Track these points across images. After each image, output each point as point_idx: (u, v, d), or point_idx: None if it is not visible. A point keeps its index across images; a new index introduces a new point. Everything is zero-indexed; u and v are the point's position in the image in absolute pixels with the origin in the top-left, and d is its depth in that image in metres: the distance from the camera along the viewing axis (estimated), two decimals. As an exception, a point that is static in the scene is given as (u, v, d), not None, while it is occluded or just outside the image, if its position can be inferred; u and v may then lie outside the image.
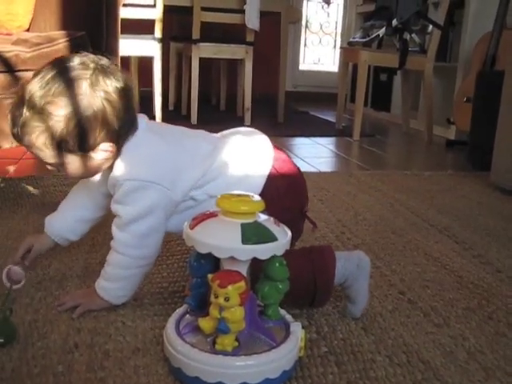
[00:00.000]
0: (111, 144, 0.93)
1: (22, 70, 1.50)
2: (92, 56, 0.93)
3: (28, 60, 1.50)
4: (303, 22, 5.11)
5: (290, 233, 0.85)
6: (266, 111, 3.86)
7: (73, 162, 0.93)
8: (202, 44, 3.16)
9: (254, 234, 0.79)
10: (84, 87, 0.88)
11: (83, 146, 0.91)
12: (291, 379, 0.83)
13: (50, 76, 0.88)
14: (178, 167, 0.97)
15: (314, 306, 1.04)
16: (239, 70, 3.75)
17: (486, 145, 2.21)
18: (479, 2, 3.09)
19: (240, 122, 3.42)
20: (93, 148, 0.92)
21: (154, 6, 2.98)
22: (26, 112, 0.87)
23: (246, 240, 0.78)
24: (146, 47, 3.06)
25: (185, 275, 1.17)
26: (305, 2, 5.05)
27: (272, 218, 0.85)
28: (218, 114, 3.86)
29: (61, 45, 1.58)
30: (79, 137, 0.89)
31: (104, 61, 0.93)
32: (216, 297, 0.77)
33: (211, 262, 0.87)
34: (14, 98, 0.92)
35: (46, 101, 0.86)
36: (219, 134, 1.08)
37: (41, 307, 1.01)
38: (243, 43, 3.27)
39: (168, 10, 3.20)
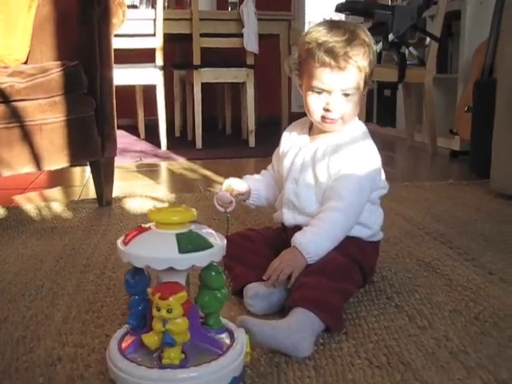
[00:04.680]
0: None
1: (17, 100, 1.56)
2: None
3: (22, 90, 1.56)
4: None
5: (225, 240, 0.85)
6: (270, 133, 3.87)
7: (357, 94, 1.18)
8: (203, 69, 3.22)
9: (189, 242, 0.79)
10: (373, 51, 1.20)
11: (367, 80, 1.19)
12: None
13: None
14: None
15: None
16: (242, 94, 3.81)
17: (486, 153, 2.20)
18: (475, 12, 3.11)
19: (245, 145, 3.46)
20: (366, 82, 1.19)
21: (154, 35, 3.07)
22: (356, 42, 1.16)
23: (182, 249, 0.77)
24: (148, 75, 3.14)
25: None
26: (307, 25, 5.14)
27: (206, 227, 0.86)
28: (223, 138, 3.91)
29: (54, 74, 1.64)
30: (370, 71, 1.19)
31: None
32: (158, 310, 0.75)
33: (147, 278, 0.86)
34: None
35: (369, 43, 1.18)
36: None
37: (31, 324, 1.04)
38: (244, 66, 3.32)
39: (169, 39, 3.29)
